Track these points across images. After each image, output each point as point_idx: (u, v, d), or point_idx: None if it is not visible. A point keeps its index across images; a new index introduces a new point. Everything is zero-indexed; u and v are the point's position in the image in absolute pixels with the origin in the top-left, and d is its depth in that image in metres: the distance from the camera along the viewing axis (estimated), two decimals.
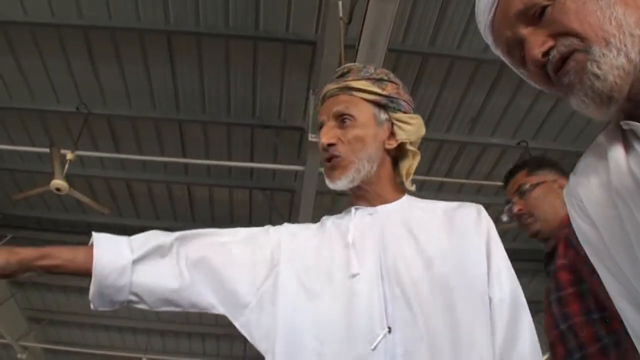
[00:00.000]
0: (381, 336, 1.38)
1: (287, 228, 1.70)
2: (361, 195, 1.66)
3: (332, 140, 1.62)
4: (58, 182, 5.95)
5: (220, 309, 1.55)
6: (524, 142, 6.78)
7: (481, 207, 1.64)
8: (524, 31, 1.01)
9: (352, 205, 1.70)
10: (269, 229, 1.69)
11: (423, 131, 1.72)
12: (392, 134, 1.67)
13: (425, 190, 7.66)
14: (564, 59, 0.96)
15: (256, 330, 1.53)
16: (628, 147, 0.96)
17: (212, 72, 6.27)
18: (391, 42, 4.09)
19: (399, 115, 1.68)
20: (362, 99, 1.66)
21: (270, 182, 7.74)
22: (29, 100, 6.71)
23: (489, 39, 1.13)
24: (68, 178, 6.17)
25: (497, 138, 6.90)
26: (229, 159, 7.31)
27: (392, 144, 1.67)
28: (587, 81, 0.93)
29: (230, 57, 6.10)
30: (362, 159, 1.61)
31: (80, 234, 8.56)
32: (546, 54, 0.97)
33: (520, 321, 1.50)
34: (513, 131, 6.82)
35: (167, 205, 8.12)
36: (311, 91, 5.67)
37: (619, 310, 1.02)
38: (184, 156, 7.17)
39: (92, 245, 1.50)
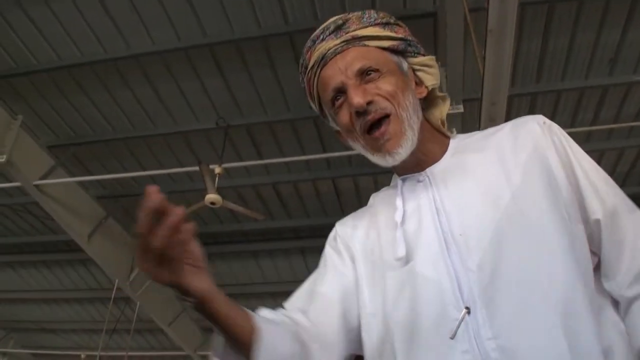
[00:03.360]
0: (459, 320, 1.14)
1: (344, 233, 1.48)
2: (404, 163, 1.37)
3: (369, 97, 1.31)
4: (212, 197, 6.18)
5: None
6: None
7: (542, 117, 1.38)
8: None
9: (397, 175, 1.46)
10: (335, 248, 1.47)
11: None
12: (418, 82, 1.44)
13: None
14: None
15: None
16: None
17: None
18: None
19: (420, 59, 1.45)
20: (377, 47, 1.39)
21: None
22: (171, 125, 7.08)
23: None
24: (218, 191, 6.41)
25: None
26: None
27: (423, 93, 1.44)
28: None
29: None
30: (408, 110, 1.33)
31: (237, 243, 8.92)
32: None
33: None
34: None
35: (315, 202, 8.26)
36: (439, 63, 5.59)
37: None
38: (324, 151, 7.23)
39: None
